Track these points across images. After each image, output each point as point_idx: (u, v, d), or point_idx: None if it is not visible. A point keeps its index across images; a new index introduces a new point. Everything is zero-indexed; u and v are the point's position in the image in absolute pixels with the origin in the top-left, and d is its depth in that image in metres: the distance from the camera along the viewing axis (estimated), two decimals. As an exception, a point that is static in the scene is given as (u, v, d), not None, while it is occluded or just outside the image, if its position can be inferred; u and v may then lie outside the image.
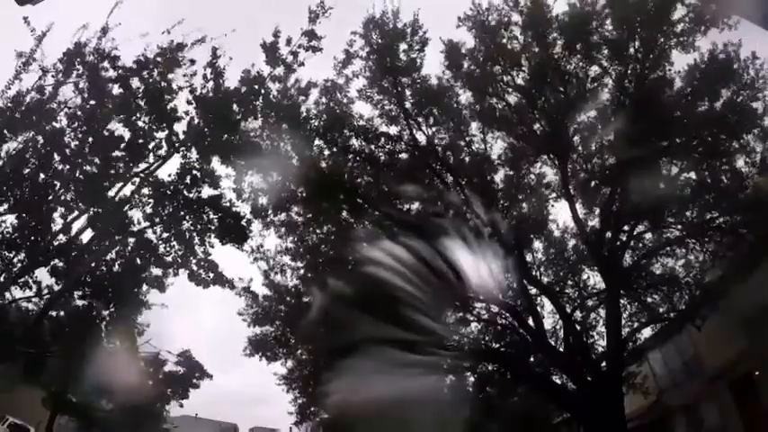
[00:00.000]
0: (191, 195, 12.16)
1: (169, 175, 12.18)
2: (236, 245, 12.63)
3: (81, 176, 11.34)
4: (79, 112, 11.40)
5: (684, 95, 13.66)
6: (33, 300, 11.88)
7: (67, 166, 11.21)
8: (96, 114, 11.35)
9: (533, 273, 15.76)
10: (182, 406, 31.94)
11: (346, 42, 14.16)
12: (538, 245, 16.54)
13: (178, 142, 12.04)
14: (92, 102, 11.46)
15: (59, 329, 12.35)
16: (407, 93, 14.72)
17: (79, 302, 12.20)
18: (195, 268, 12.47)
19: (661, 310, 15.33)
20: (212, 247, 12.66)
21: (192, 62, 12.06)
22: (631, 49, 13.65)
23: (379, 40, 14.23)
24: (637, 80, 13.78)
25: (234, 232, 12.43)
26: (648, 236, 15.09)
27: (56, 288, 11.50)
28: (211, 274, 12.55)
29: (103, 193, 11.47)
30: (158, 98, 11.61)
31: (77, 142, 11.34)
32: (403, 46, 14.32)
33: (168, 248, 12.26)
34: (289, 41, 12.46)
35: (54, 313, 12.56)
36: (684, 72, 13.69)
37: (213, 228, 12.39)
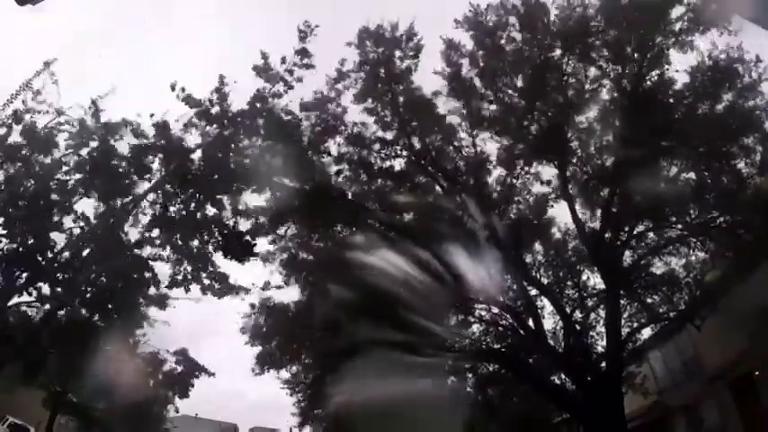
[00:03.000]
0: (196, 216, 12.48)
1: (167, 204, 12.44)
2: (240, 261, 12.83)
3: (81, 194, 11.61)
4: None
5: (685, 97, 13.63)
6: (35, 304, 12.03)
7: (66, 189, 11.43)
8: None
9: (533, 273, 15.75)
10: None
11: (338, 61, 14.36)
12: (537, 246, 16.50)
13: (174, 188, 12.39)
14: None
15: (60, 334, 12.46)
16: (401, 99, 14.74)
17: (81, 309, 12.37)
18: (207, 282, 12.75)
19: (661, 310, 15.32)
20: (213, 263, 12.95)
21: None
22: (628, 49, 13.62)
23: (373, 52, 14.41)
24: (635, 81, 13.75)
25: (239, 249, 12.67)
26: (648, 235, 15.06)
27: (57, 297, 11.68)
28: (218, 285, 12.82)
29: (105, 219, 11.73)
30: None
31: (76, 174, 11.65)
32: (398, 53, 14.46)
33: (178, 269, 12.59)
34: (283, 60, 12.94)
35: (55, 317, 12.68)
36: (685, 73, 13.68)
37: (218, 245, 12.72)
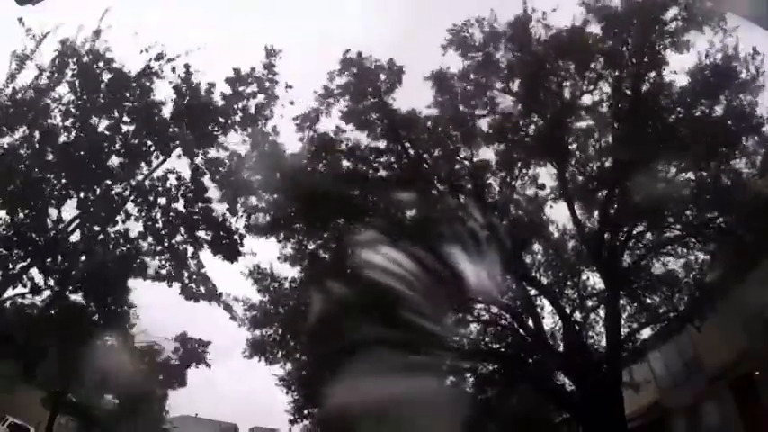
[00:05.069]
0: (184, 208, 12.44)
1: (161, 184, 12.42)
2: (227, 260, 12.75)
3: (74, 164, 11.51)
4: (72, 108, 11.62)
5: (682, 97, 13.63)
6: (28, 296, 11.98)
7: (59, 157, 11.33)
8: (88, 110, 11.61)
9: (533, 273, 15.73)
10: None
11: (326, 79, 14.71)
12: (537, 246, 16.49)
13: (166, 147, 12.36)
14: (84, 98, 11.67)
15: (56, 323, 12.42)
16: (391, 112, 14.82)
17: (74, 299, 12.31)
18: (187, 281, 12.57)
19: (661, 310, 15.29)
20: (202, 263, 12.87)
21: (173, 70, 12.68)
22: (626, 52, 13.65)
23: (358, 74, 14.71)
24: (633, 82, 13.76)
25: (226, 248, 12.61)
26: (647, 236, 15.04)
27: (50, 285, 11.61)
28: (203, 288, 12.67)
29: (96, 180, 11.62)
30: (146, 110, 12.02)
31: (71, 135, 11.55)
32: (381, 75, 14.75)
33: (162, 261, 12.47)
34: (253, 70, 13.94)
35: (51, 311, 12.63)
36: (682, 73, 13.69)
37: (205, 242, 12.63)
